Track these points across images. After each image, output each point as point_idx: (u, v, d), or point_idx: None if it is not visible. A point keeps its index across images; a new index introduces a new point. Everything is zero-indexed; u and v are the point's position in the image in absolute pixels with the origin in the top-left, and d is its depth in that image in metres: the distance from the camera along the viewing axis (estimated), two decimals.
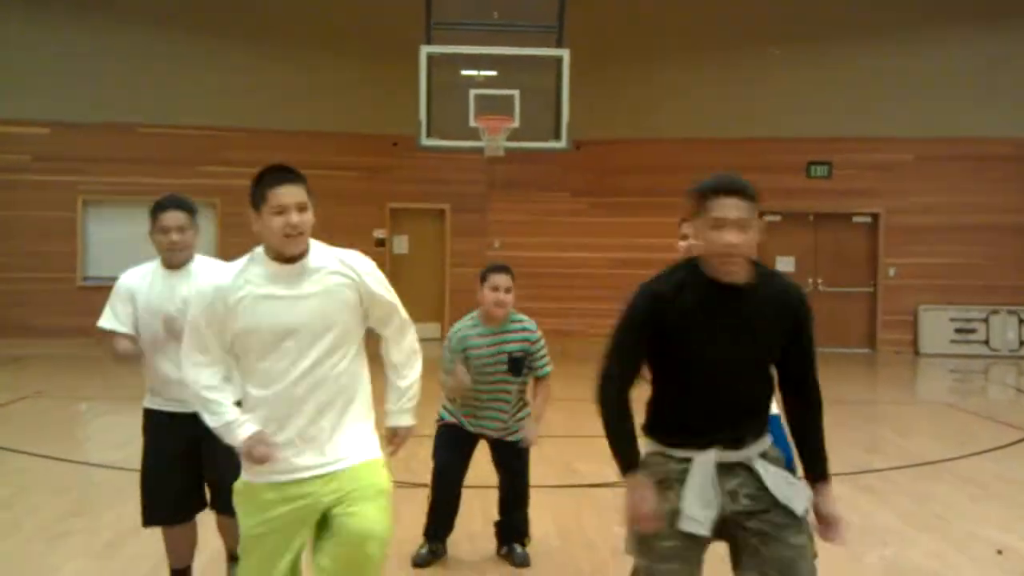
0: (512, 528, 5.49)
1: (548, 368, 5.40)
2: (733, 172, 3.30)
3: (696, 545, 3.18)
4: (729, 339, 3.14)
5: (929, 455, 8.53)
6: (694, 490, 3.14)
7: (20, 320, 15.88)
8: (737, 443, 3.20)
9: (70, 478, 7.30)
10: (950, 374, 15.24)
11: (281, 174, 3.29)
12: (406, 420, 3.57)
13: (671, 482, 3.19)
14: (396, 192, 17.17)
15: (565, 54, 13.18)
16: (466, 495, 5.45)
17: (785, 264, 17.46)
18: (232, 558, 4.80)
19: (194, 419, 4.16)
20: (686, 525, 3.13)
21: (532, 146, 13.82)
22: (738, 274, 3.16)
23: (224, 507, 4.16)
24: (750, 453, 3.22)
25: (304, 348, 3.26)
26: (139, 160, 16.28)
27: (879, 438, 9.70)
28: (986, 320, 17.19)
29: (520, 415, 5.39)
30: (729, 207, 3.13)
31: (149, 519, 4.52)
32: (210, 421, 3.35)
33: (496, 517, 5.57)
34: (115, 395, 11.55)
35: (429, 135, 13.32)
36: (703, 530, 3.13)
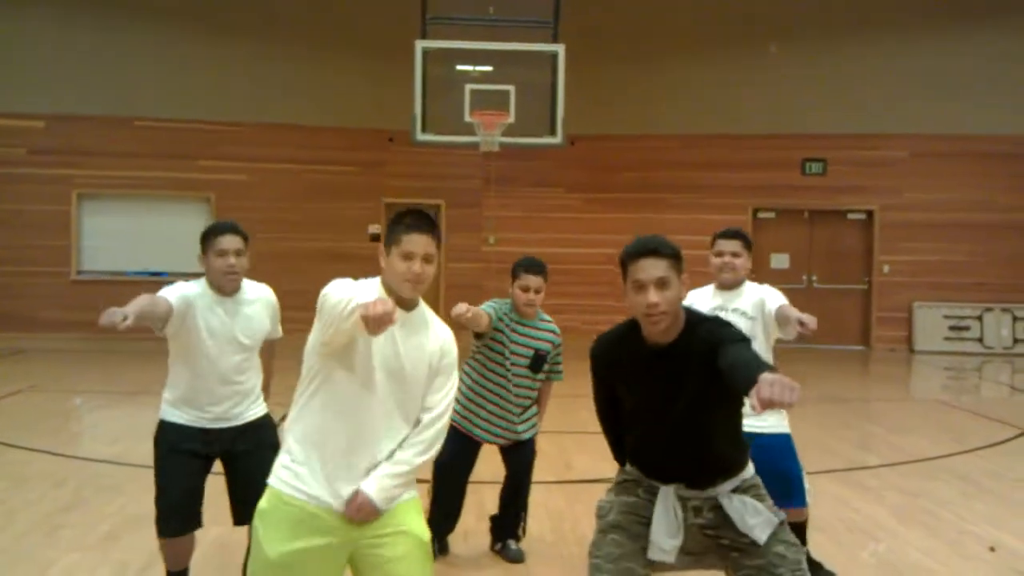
0: (507, 524, 5.50)
1: (560, 375, 5.45)
2: (656, 236, 3.34)
3: (645, 532, 3.30)
4: (661, 396, 3.27)
5: (922, 452, 8.56)
6: (659, 519, 3.28)
7: (15, 314, 15.86)
8: (700, 484, 3.33)
9: (65, 472, 7.30)
10: (944, 371, 15.28)
11: (417, 222, 3.30)
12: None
13: (636, 485, 3.41)
14: (391, 187, 17.16)
15: (560, 49, 13.18)
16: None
17: (779, 261, 17.51)
18: None
19: (216, 433, 4.37)
20: (653, 554, 3.28)
21: (527, 142, 13.83)
22: (665, 332, 3.24)
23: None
24: (717, 492, 3.32)
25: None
26: (135, 154, 16.26)
27: (872, 435, 9.73)
28: (980, 317, 17.22)
29: (528, 416, 5.37)
30: (647, 267, 3.19)
31: (164, 531, 4.47)
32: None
33: (492, 513, 5.58)
34: (110, 389, 11.56)
35: (424, 130, 13.32)
36: (669, 558, 3.27)
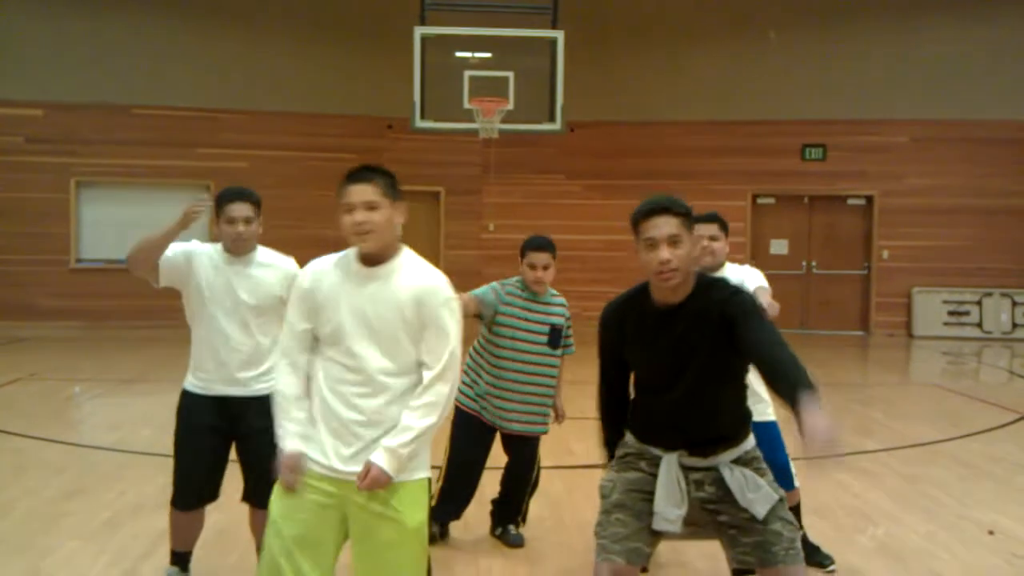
0: (508, 510, 5.50)
1: (572, 348, 5.42)
2: (667, 193, 3.37)
3: (649, 509, 3.32)
4: (670, 357, 3.31)
5: (921, 437, 8.57)
6: (663, 489, 3.30)
7: (14, 302, 15.86)
8: (703, 451, 3.36)
9: (65, 459, 7.31)
10: (943, 356, 15.29)
11: (355, 173, 3.33)
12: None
13: (638, 458, 3.41)
14: None
15: (560, 36, 13.15)
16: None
17: (779, 247, 17.50)
18: (175, 559, 4.76)
19: (222, 404, 4.39)
20: (658, 525, 3.30)
21: (527, 128, 13.80)
22: (675, 291, 3.29)
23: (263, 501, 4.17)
24: (718, 460, 3.36)
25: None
26: (133, 141, 16.24)
27: (871, 420, 9.74)
28: (979, 303, 17.23)
29: (546, 405, 5.35)
30: (659, 225, 3.23)
31: (177, 504, 4.53)
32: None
33: (492, 498, 5.58)
34: (109, 377, 11.57)
35: (423, 117, 13.29)
36: (674, 528, 3.30)
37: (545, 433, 5.43)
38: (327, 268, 3.38)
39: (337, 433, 3.26)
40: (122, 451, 7.56)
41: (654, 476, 3.36)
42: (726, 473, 3.33)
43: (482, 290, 5.26)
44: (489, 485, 5.56)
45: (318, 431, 3.29)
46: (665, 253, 3.19)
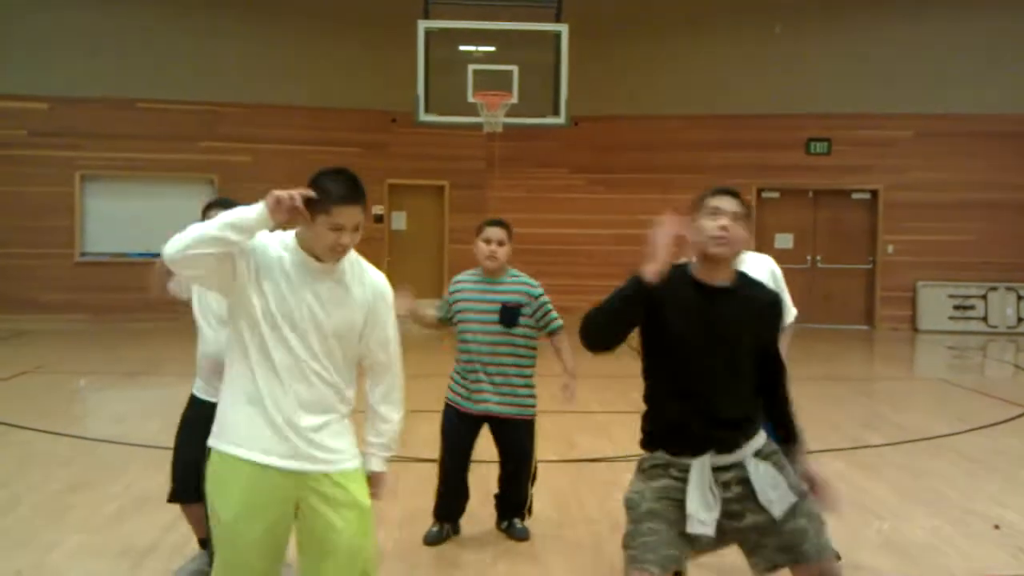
0: (512, 503, 5.50)
1: (558, 322, 5.34)
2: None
3: (680, 516, 3.32)
4: (709, 335, 3.35)
5: (926, 431, 8.56)
6: (695, 493, 3.31)
7: (19, 295, 15.87)
8: (730, 446, 3.39)
9: (70, 452, 7.32)
10: (948, 350, 15.27)
11: (350, 192, 3.27)
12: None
13: (665, 468, 3.39)
14: (394, 168, 17.14)
15: (564, 29, 13.13)
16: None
17: (784, 241, 17.47)
18: (203, 544, 4.82)
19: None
20: (693, 528, 3.29)
21: (531, 122, 13.78)
22: (719, 271, 3.41)
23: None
24: (743, 455, 3.39)
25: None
26: (137, 135, 16.23)
27: (876, 414, 9.73)
28: (984, 297, 17.20)
29: (525, 387, 5.33)
30: (725, 201, 3.43)
31: (180, 495, 4.62)
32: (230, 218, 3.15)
33: (495, 491, 5.59)
34: (114, 370, 11.59)
35: (427, 111, 13.28)
36: (709, 531, 3.29)
37: (527, 417, 5.35)
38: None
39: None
40: (128, 444, 7.57)
41: (683, 482, 3.36)
42: (751, 467, 3.37)
43: (440, 303, 5.46)
44: (493, 479, 5.56)
45: None
46: (725, 221, 3.36)
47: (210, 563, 3.99)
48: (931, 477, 6.92)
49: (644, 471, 3.47)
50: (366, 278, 3.40)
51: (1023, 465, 7.38)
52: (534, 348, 5.35)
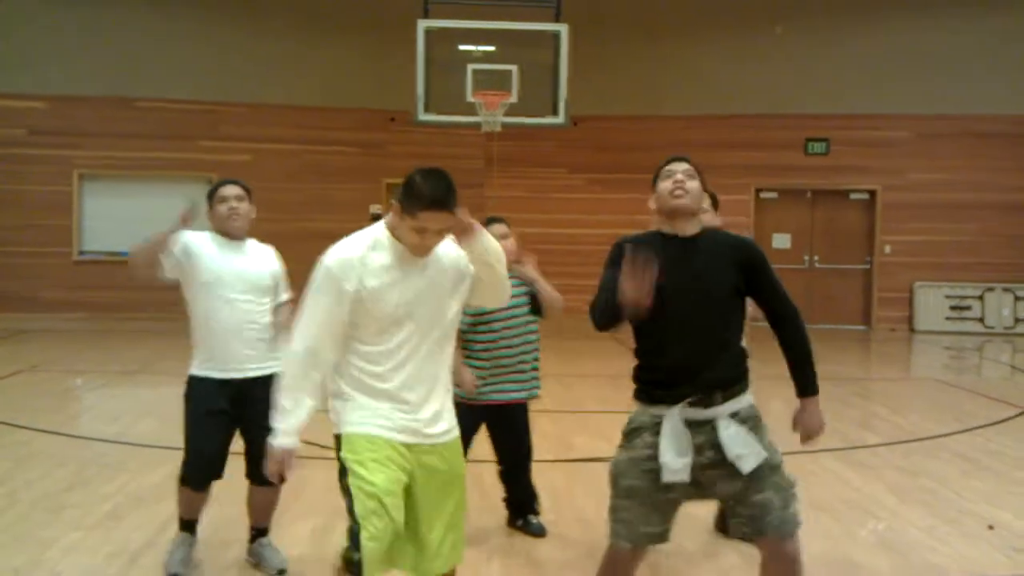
0: (522, 499, 5.55)
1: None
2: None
3: (663, 489, 3.45)
4: (682, 280, 3.45)
5: (922, 431, 8.57)
6: (667, 440, 3.41)
7: (16, 294, 15.88)
8: (704, 400, 3.46)
9: (67, 451, 7.32)
10: (945, 351, 15.28)
11: (439, 200, 3.38)
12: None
13: (642, 430, 3.51)
14: (393, 167, 17.11)
15: (563, 29, 13.14)
16: None
17: (781, 241, 17.49)
18: (257, 534, 4.93)
19: (234, 387, 4.56)
20: (668, 476, 3.41)
21: (530, 122, 13.79)
22: (687, 222, 3.59)
23: (263, 478, 4.42)
24: (717, 412, 3.47)
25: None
26: (136, 134, 16.25)
27: (872, 414, 9.74)
28: (981, 297, 17.22)
29: (535, 369, 5.42)
30: (675, 164, 3.65)
31: (190, 481, 4.75)
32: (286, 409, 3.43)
33: (497, 482, 5.62)
34: (110, 369, 11.59)
35: (426, 110, 13.29)
36: (683, 477, 3.40)
37: (532, 398, 5.43)
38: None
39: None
40: (124, 443, 7.57)
41: (652, 448, 3.46)
42: (721, 425, 3.43)
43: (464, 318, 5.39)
44: (487, 478, 5.56)
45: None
46: (679, 175, 3.57)
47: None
48: (927, 477, 6.93)
49: (626, 435, 3.60)
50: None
51: (1018, 466, 7.38)
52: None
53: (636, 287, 3.22)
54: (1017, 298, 17.15)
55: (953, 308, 17.23)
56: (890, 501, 6.29)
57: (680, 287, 3.44)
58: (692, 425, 3.44)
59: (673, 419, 3.43)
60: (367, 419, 3.41)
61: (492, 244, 3.49)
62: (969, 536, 5.57)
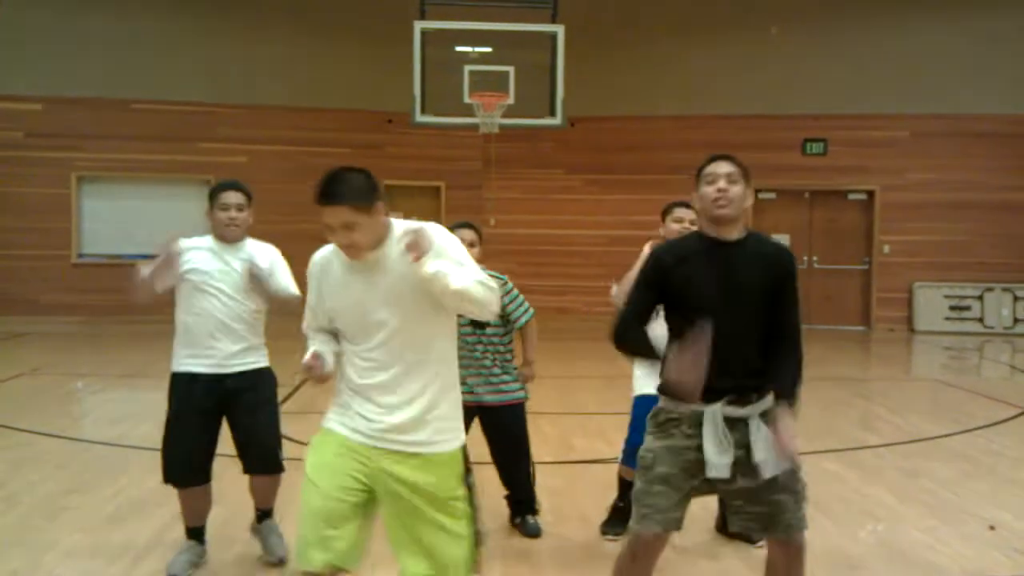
0: (519, 499, 5.60)
1: (526, 316, 5.44)
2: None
3: (693, 479, 3.55)
4: (724, 284, 3.54)
5: (922, 432, 8.57)
6: (710, 436, 3.51)
7: (15, 297, 15.87)
8: (742, 400, 3.55)
9: (67, 454, 7.32)
10: (944, 351, 15.29)
11: (325, 192, 3.31)
12: None
13: (680, 422, 3.55)
14: (391, 169, 17.10)
15: (560, 30, 13.14)
16: None
17: (780, 241, 17.48)
18: (262, 515, 5.03)
19: (219, 381, 4.66)
20: (712, 472, 3.50)
21: (527, 123, 13.80)
22: (730, 228, 3.62)
23: (256, 467, 4.80)
24: (753, 411, 3.56)
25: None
26: (133, 136, 16.24)
27: (872, 415, 9.74)
28: (980, 297, 17.22)
29: (507, 374, 5.42)
30: (719, 166, 3.66)
31: (167, 477, 4.83)
32: None
33: (496, 484, 5.66)
34: (110, 372, 11.59)
35: (423, 112, 13.29)
36: (725, 473, 3.49)
37: (513, 403, 5.44)
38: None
39: None
40: (124, 446, 7.57)
41: (692, 439, 3.53)
42: (753, 425, 3.53)
43: None
44: (489, 480, 5.56)
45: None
46: (722, 183, 3.58)
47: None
48: (927, 478, 6.93)
49: (659, 425, 3.63)
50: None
51: (1018, 466, 7.39)
52: (509, 336, 5.46)
53: (689, 373, 3.34)
54: (1016, 298, 17.16)
55: (952, 308, 17.24)
56: (890, 502, 6.29)
57: (723, 291, 3.53)
58: (727, 422, 3.53)
59: (716, 416, 3.51)
60: (335, 416, 3.42)
61: (437, 277, 3.16)
62: (969, 537, 5.57)
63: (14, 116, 16.09)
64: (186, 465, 4.74)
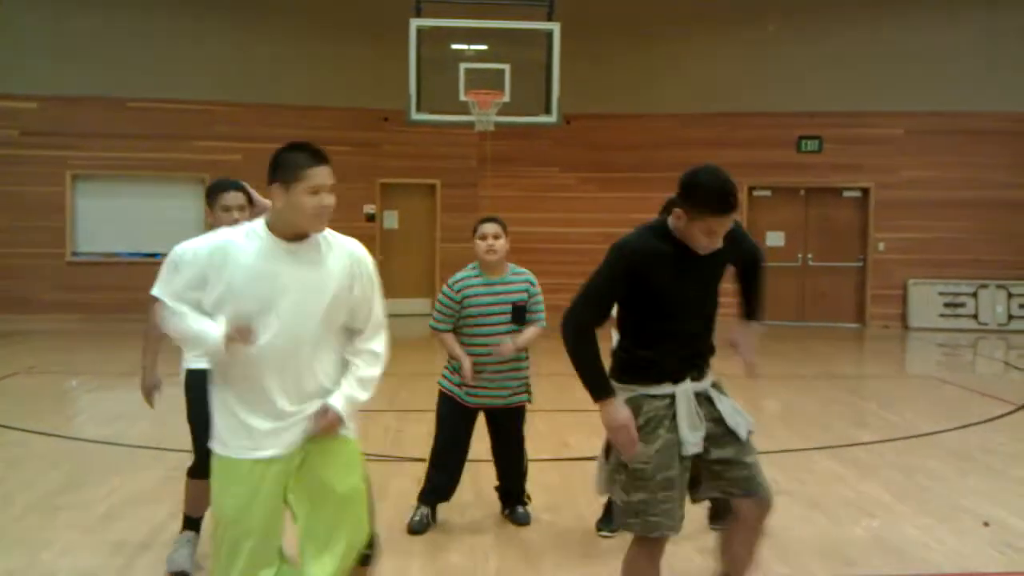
0: (512, 491, 5.67)
1: (543, 322, 5.49)
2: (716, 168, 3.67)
3: (685, 470, 3.67)
4: (689, 280, 3.66)
5: (917, 428, 8.59)
6: (684, 419, 3.63)
7: (11, 295, 15.85)
8: (701, 373, 3.77)
9: (63, 453, 7.32)
10: (938, 348, 15.31)
11: (318, 155, 3.37)
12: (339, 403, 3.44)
13: (659, 420, 3.63)
14: (386, 167, 17.15)
15: (555, 28, 13.13)
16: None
17: (775, 239, 17.50)
18: (189, 524, 4.96)
19: None
20: (687, 450, 3.62)
21: (522, 121, 13.80)
22: None
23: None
24: (707, 383, 3.78)
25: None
26: (129, 135, 16.22)
27: (867, 411, 9.76)
28: (975, 294, 17.26)
29: (523, 377, 5.49)
30: (725, 223, 3.57)
31: (204, 471, 4.75)
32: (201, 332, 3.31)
33: (495, 482, 5.76)
34: (106, 370, 11.58)
35: (419, 110, 13.27)
36: (699, 449, 3.65)
37: (527, 402, 5.57)
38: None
39: None
40: (119, 444, 7.56)
41: (675, 431, 3.63)
42: (715, 396, 3.76)
43: (442, 307, 5.41)
44: (485, 476, 5.57)
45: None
46: (719, 241, 3.59)
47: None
48: (921, 474, 6.94)
49: (643, 430, 3.63)
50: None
51: (1013, 462, 7.40)
52: None
53: (628, 448, 3.58)
54: (1011, 295, 17.19)
55: (947, 305, 17.27)
56: (885, 498, 6.30)
57: (684, 286, 3.64)
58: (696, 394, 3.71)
59: (687, 395, 3.65)
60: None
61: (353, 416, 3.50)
62: (964, 533, 5.58)
63: (9, 115, 16.06)
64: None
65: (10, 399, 9.62)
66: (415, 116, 13.28)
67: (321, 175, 3.31)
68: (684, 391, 3.65)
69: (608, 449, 3.74)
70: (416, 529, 5.40)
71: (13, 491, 6.21)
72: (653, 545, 3.68)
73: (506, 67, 13.24)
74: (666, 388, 3.65)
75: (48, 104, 16.12)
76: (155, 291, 3.34)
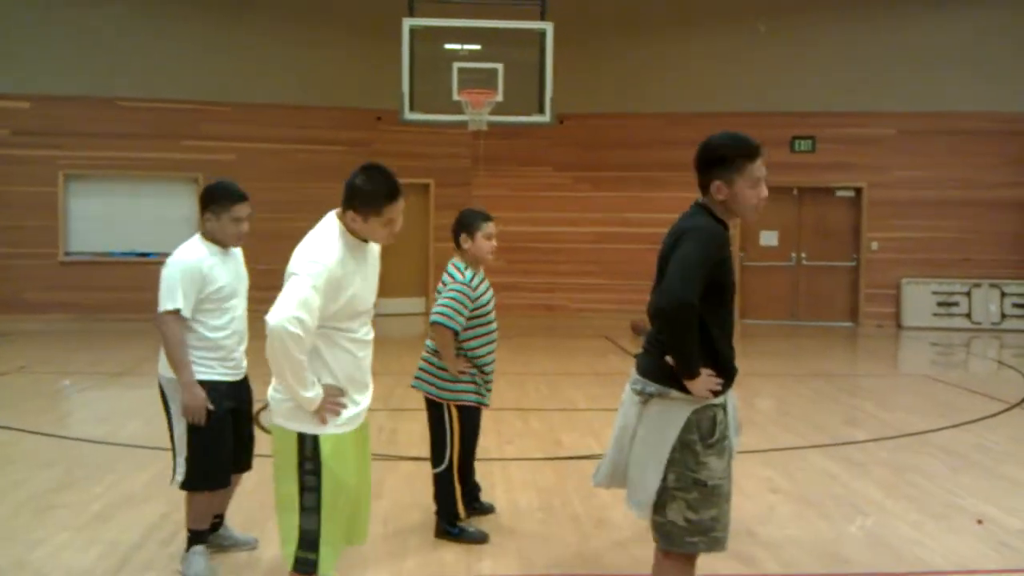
0: (472, 488, 5.59)
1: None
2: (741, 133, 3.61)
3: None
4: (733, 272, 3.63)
5: (910, 427, 8.59)
6: (732, 421, 3.64)
7: (2, 295, 15.80)
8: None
9: (55, 452, 7.30)
10: (932, 347, 15.33)
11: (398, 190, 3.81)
12: None
13: (724, 429, 3.55)
14: None
15: (548, 27, 13.13)
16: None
17: (768, 238, 17.52)
18: (219, 520, 5.04)
19: (237, 384, 4.77)
20: (735, 455, 3.64)
21: (516, 120, 13.79)
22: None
23: (248, 464, 5.07)
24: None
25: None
26: (121, 134, 16.18)
27: (860, 410, 9.76)
28: (968, 294, 17.28)
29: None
30: (763, 165, 3.55)
31: (215, 482, 4.79)
32: (303, 391, 3.57)
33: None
34: (98, 370, 11.54)
35: (412, 109, 13.26)
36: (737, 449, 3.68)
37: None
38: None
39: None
40: (111, 444, 7.55)
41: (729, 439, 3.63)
42: (730, 401, 3.65)
43: (456, 317, 5.17)
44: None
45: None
46: (766, 192, 3.56)
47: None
48: (915, 473, 6.95)
49: (712, 446, 3.49)
50: None
51: (1006, 461, 7.41)
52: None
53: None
54: (1004, 294, 17.22)
55: (940, 304, 17.29)
56: (878, 497, 6.31)
57: (732, 278, 3.62)
58: None
59: (732, 399, 3.63)
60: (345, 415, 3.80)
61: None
62: (957, 531, 5.59)
63: (1, 114, 16.01)
64: (227, 466, 4.79)
65: (3, 398, 9.59)
66: (408, 115, 13.27)
67: (398, 210, 3.79)
68: (731, 396, 3.57)
69: (666, 468, 3.48)
70: (482, 538, 5.30)
71: (4, 490, 6.19)
72: (693, 561, 3.60)
73: (499, 66, 13.24)
74: (723, 397, 3.54)
75: (40, 104, 16.08)
76: (295, 313, 3.48)
